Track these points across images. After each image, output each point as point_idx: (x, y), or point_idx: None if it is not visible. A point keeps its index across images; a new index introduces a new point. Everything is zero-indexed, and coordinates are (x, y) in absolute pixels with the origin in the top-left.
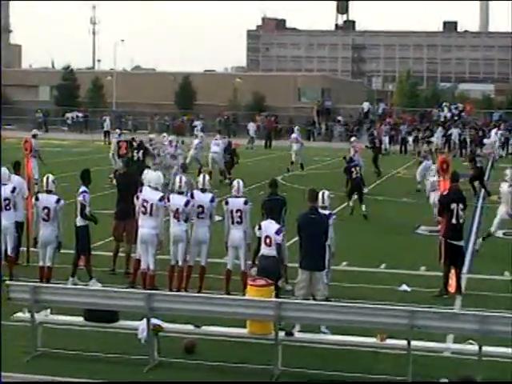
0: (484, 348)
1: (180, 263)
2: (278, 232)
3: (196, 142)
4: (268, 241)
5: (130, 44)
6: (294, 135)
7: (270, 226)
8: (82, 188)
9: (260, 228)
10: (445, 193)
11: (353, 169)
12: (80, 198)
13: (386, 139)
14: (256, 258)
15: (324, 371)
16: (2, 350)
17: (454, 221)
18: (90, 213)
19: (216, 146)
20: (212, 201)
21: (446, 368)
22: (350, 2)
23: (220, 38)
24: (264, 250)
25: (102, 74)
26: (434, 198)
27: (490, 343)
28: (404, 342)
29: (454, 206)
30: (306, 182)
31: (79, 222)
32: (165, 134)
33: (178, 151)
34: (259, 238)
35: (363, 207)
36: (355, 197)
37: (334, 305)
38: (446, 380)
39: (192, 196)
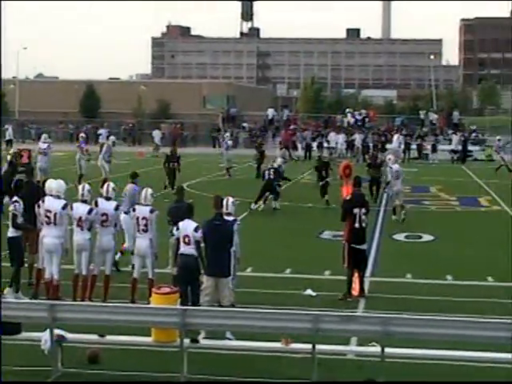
0: (386, 349)
1: (84, 272)
2: (196, 229)
3: (104, 149)
4: (187, 240)
5: (33, 52)
6: (229, 142)
7: (188, 225)
8: (14, 197)
9: (178, 228)
10: (347, 198)
11: (266, 171)
12: (11, 208)
13: (300, 146)
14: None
15: (230, 377)
16: None
17: (356, 225)
18: (23, 222)
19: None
20: (116, 209)
21: (350, 370)
22: (255, 10)
23: (125, 46)
24: (183, 249)
25: (4, 82)
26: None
27: (393, 345)
28: (309, 346)
29: (356, 210)
30: (212, 189)
31: (11, 232)
32: None
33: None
34: (178, 239)
35: (277, 204)
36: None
37: (239, 311)
38: None
39: (96, 204)
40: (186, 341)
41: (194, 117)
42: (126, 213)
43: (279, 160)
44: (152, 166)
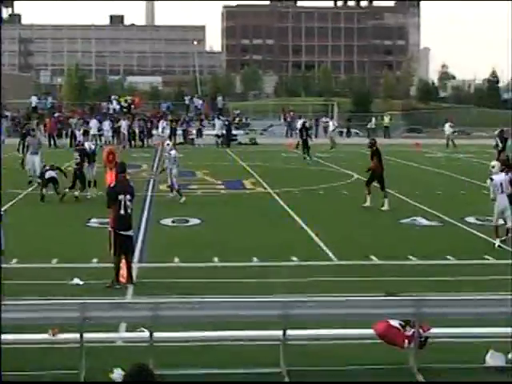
0: (155, 334)
1: None
2: None
3: None
4: None
5: None
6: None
7: None
8: None
9: None
10: (112, 184)
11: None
12: None
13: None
14: None
15: None
16: None
17: (122, 212)
18: None
19: None
20: None
21: (119, 357)
22: None
23: None
24: None
25: None
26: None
27: (161, 329)
28: (77, 335)
29: (121, 197)
30: None
31: None
32: None
33: None
34: None
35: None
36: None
37: (4, 304)
38: (120, 370)
39: None
40: None
41: None
42: None
43: (86, 144)
44: None
